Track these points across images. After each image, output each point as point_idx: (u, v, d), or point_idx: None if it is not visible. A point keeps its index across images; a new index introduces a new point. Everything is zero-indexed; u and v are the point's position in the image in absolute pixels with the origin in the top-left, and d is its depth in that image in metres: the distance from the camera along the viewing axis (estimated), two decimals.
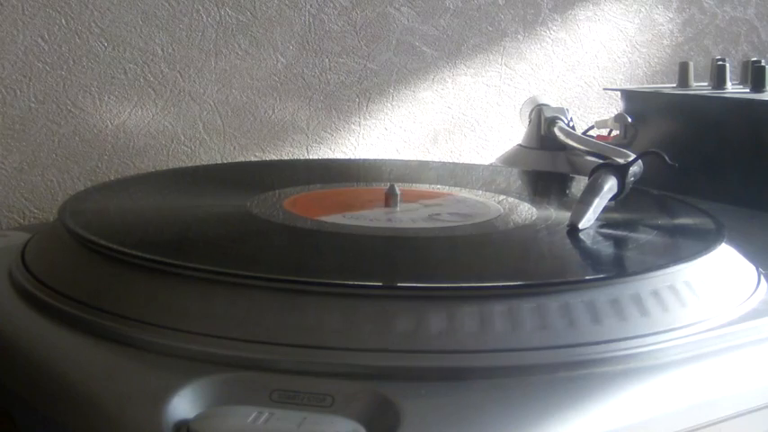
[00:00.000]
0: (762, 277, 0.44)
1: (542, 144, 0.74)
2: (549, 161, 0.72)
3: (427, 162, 0.77)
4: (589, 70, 0.89)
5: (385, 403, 0.31)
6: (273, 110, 0.73)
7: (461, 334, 0.34)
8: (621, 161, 0.54)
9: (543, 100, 0.75)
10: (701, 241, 0.44)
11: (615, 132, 0.73)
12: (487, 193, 0.56)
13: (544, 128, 0.73)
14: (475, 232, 0.47)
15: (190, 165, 0.69)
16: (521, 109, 0.77)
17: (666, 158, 0.51)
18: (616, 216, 0.49)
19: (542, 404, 0.32)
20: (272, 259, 0.43)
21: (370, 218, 0.49)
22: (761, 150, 0.62)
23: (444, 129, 0.82)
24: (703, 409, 0.35)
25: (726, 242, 0.44)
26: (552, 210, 0.51)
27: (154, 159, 0.68)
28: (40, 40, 0.63)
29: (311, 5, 0.73)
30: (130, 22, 0.66)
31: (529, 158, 0.74)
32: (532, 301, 0.36)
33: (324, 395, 0.32)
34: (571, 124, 0.74)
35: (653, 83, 0.93)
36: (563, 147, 0.71)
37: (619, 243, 0.47)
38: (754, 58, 0.74)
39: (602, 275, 0.40)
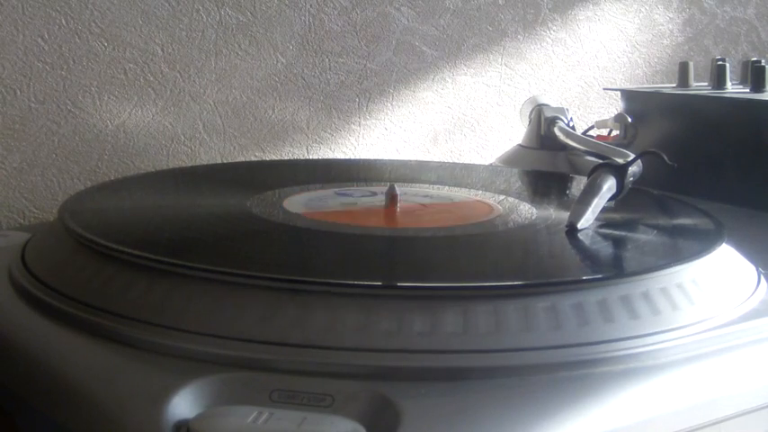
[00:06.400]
0: (762, 277, 0.44)
1: (542, 144, 0.74)
2: (549, 161, 0.72)
3: (427, 162, 0.77)
4: (589, 70, 0.89)
5: (385, 403, 0.31)
6: (273, 110, 0.73)
7: (461, 334, 0.35)
8: (621, 161, 0.54)
9: (543, 100, 0.75)
10: (701, 241, 0.44)
11: (615, 132, 0.73)
12: (487, 193, 0.56)
13: (544, 128, 0.73)
14: (475, 232, 0.47)
15: (190, 165, 0.69)
16: (521, 109, 0.77)
17: (666, 158, 0.51)
18: (615, 216, 0.49)
19: (542, 404, 0.32)
20: (272, 259, 0.43)
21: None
22: (761, 150, 0.62)
23: (444, 129, 0.82)
24: (703, 409, 0.35)
25: (726, 242, 0.44)
26: (552, 210, 0.51)
27: (154, 159, 0.68)
28: (40, 40, 0.63)
29: (311, 5, 0.73)
30: (130, 22, 0.66)
31: (529, 158, 0.73)
32: (532, 301, 0.36)
33: (324, 395, 0.32)
34: (571, 124, 0.74)
35: (653, 83, 0.93)
36: (563, 147, 0.71)
37: (618, 243, 0.47)
38: (754, 58, 0.74)
39: (601, 276, 0.40)
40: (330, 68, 0.75)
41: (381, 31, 0.76)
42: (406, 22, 0.77)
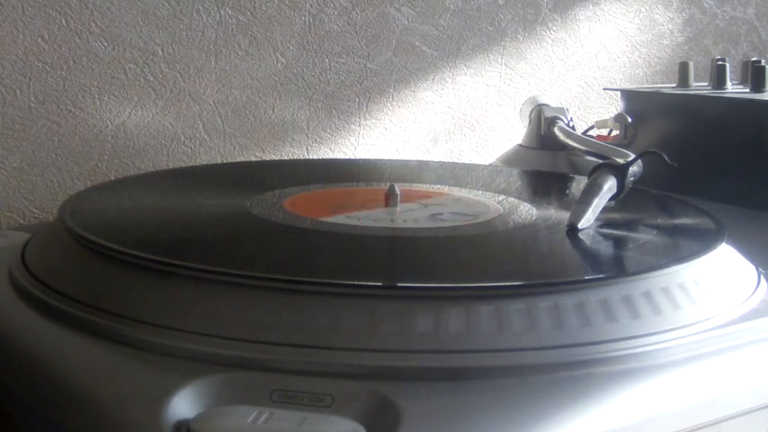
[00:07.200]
0: (762, 277, 0.44)
1: (542, 144, 0.74)
2: (549, 161, 0.72)
3: (427, 162, 0.77)
4: (589, 70, 0.89)
5: (385, 403, 0.31)
6: (273, 110, 0.73)
7: (461, 334, 0.34)
8: (621, 161, 0.54)
9: (543, 100, 0.75)
10: (701, 241, 0.44)
11: (615, 132, 0.73)
12: (487, 193, 0.56)
13: (544, 128, 0.73)
14: (475, 232, 0.47)
15: (190, 165, 0.69)
16: (521, 109, 0.77)
17: (666, 158, 0.51)
18: (616, 216, 0.49)
19: (542, 404, 0.32)
20: (272, 259, 0.43)
21: (370, 218, 0.49)
22: (761, 150, 0.62)
23: (444, 129, 0.82)
24: (703, 409, 0.35)
25: (726, 242, 0.44)
26: (552, 210, 0.51)
27: (154, 159, 0.68)
28: (40, 40, 0.63)
29: (311, 5, 0.73)
30: (130, 22, 0.66)
31: (529, 158, 0.74)
32: (532, 301, 0.36)
33: (324, 395, 0.32)
34: (571, 124, 0.74)
35: (653, 83, 0.93)
36: (563, 147, 0.71)
37: (619, 243, 0.47)
38: (754, 58, 0.74)
39: (602, 275, 0.40)
40: (330, 68, 0.75)
41: (381, 31, 0.76)
42: (406, 22, 0.77)
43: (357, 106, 0.77)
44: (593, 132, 0.77)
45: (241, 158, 0.72)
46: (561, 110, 0.74)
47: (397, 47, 0.77)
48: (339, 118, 0.76)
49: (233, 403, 0.31)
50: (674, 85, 0.74)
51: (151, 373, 0.34)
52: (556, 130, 0.72)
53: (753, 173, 0.62)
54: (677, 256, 0.42)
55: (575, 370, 0.34)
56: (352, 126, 0.77)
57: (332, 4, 0.74)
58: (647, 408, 0.34)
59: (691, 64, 0.73)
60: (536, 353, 0.34)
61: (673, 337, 0.37)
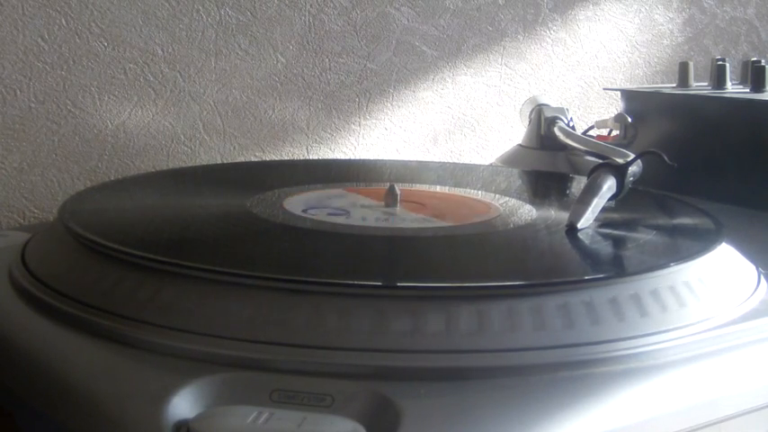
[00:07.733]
0: (762, 277, 0.44)
1: (542, 144, 0.74)
2: (549, 161, 0.72)
3: (427, 162, 0.77)
4: (589, 70, 0.89)
5: (385, 403, 0.31)
6: (273, 110, 0.73)
7: (461, 334, 0.35)
8: (621, 161, 0.54)
9: (543, 100, 0.75)
10: (701, 241, 0.44)
11: (615, 132, 0.73)
12: (487, 194, 0.56)
13: (544, 128, 0.73)
14: (475, 232, 0.47)
15: (190, 165, 0.69)
16: (521, 109, 0.77)
17: (666, 158, 0.51)
18: (615, 216, 0.49)
19: (542, 404, 0.32)
20: (272, 259, 0.43)
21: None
22: (761, 150, 0.62)
23: (444, 129, 0.82)
24: (703, 409, 0.35)
25: (726, 242, 0.44)
26: (552, 210, 0.51)
27: (154, 159, 0.68)
28: (40, 40, 0.63)
29: (311, 5, 0.73)
30: (130, 22, 0.66)
31: (529, 158, 0.74)
32: (532, 300, 0.36)
33: (324, 395, 0.32)
34: (571, 124, 0.74)
35: (653, 83, 0.93)
36: (563, 147, 0.71)
37: (618, 243, 0.47)
38: (754, 58, 0.74)
39: (601, 275, 0.40)
40: (330, 68, 0.75)
41: (381, 31, 0.76)
42: (406, 22, 0.77)
43: (357, 106, 0.77)
44: (593, 132, 0.77)
45: (241, 158, 0.72)
46: (561, 110, 0.74)
47: (397, 47, 0.77)
48: (339, 118, 0.76)
49: (233, 403, 0.31)
50: (674, 85, 0.74)
51: (151, 373, 0.34)
52: (556, 130, 0.72)
53: (753, 173, 0.62)
54: (677, 256, 0.42)
55: (575, 370, 0.34)
56: (352, 126, 0.77)
57: (332, 4, 0.74)
58: (647, 408, 0.34)
59: (691, 64, 0.73)
60: (535, 353, 0.34)
61: (673, 337, 0.37)
